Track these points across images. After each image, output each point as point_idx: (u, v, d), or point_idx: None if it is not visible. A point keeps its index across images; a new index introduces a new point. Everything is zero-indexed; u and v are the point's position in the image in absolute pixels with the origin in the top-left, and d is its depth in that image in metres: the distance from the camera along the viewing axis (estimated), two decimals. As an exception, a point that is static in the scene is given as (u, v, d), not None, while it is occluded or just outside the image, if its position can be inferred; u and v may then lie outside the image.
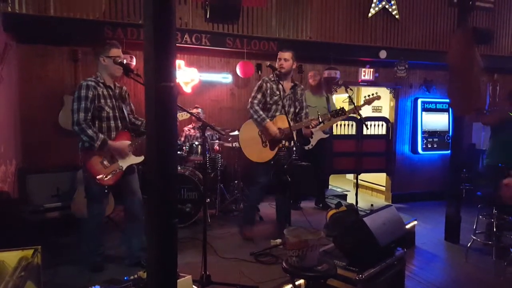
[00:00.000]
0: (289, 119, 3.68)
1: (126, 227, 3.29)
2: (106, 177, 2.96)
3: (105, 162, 2.99)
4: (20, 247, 2.22)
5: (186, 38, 5.26)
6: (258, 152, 3.80)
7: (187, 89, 5.51)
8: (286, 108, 3.85)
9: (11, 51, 4.42)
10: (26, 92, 4.84)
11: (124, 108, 3.18)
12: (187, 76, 5.48)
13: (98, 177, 2.95)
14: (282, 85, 3.85)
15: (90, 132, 2.89)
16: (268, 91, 3.84)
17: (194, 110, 4.96)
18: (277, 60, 3.84)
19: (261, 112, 3.77)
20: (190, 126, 5.24)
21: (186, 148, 4.63)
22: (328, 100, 5.12)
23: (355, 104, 4.64)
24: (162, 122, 1.53)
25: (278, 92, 3.81)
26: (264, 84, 3.85)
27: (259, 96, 3.83)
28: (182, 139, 5.09)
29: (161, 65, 1.49)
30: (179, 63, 5.42)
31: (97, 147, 2.92)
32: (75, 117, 2.90)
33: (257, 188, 3.88)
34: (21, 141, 4.80)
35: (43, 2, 4.78)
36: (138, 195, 3.22)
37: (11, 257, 2.15)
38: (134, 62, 5.01)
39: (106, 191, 3.04)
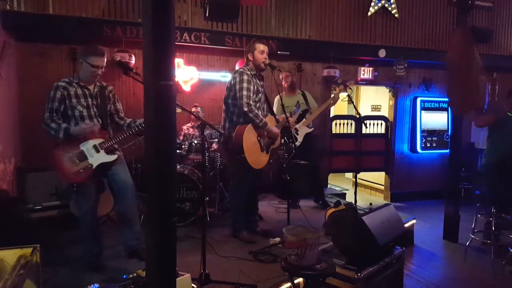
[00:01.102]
0: (288, 116, 3.66)
1: (118, 219, 3.25)
2: (74, 174, 2.94)
3: (74, 159, 2.96)
4: (19, 246, 2.22)
5: (185, 37, 5.26)
6: (258, 158, 3.61)
7: (186, 87, 5.51)
8: (262, 105, 3.71)
9: (9, 49, 4.41)
10: (25, 90, 4.83)
11: (103, 108, 3.15)
12: (186, 74, 5.48)
13: (65, 174, 2.94)
14: (258, 80, 3.67)
15: (53, 125, 2.94)
16: (255, 88, 3.54)
17: (194, 109, 4.95)
18: (260, 53, 3.59)
19: (261, 116, 3.54)
20: (189, 124, 5.24)
21: (185, 147, 4.63)
22: (305, 95, 5.05)
23: (354, 104, 4.66)
24: (161, 121, 1.53)
25: (260, 89, 3.64)
26: (251, 80, 3.52)
27: (252, 95, 3.48)
28: (181, 137, 5.09)
29: (160, 64, 1.49)
30: (178, 61, 5.42)
31: (63, 137, 2.94)
32: (44, 116, 3.00)
33: (245, 189, 3.74)
34: (20, 139, 4.79)
35: (42, 0, 4.77)
36: (127, 182, 3.14)
37: (10, 256, 2.15)
38: (133, 61, 5.00)
39: (74, 188, 2.99)
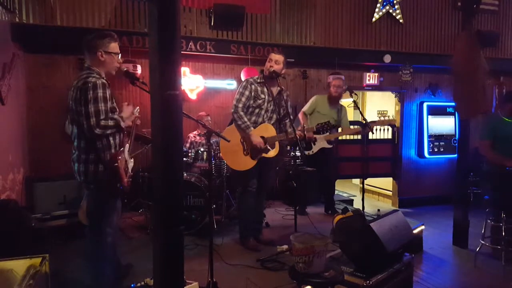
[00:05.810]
0: (293, 127, 3.61)
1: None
2: (127, 182, 2.61)
3: (125, 166, 2.61)
4: (28, 255, 2.24)
5: (191, 46, 5.30)
6: (238, 160, 3.61)
7: (192, 96, 5.54)
8: (269, 114, 3.71)
9: (18, 60, 4.48)
10: (33, 100, 4.90)
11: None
12: (192, 83, 5.52)
13: (124, 181, 2.55)
14: (268, 89, 3.69)
15: (110, 122, 2.46)
16: (253, 94, 3.65)
17: (204, 119, 4.93)
18: (268, 61, 3.66)
19: (245, 119, 3.58)
20: (195, 132, 5.25)
21: (191, 155, 4.64)
22: (340, 110, 4.89)
23: (360, 110, 4.62)
24: (168, 130, 1.54)
25: (263, 96, 3.66)
26: (249, 86, 3.65)
27: (243, 99, 3.63)
28: (188, 145, 5.11)
29: (166, 74, 1.50)
30: (184, 70, 5.46)
31: (124, 126, 2.55)
32: (92, 120, 2.37)
33: (249, 194, 3.71)
34: (28, 149, 4.84)
35: (50, 12, 4.86)
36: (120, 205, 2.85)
37: (19, 266, 2.17)
38: (139, 71, 5.05)
39: (125, 200, 2.75)
